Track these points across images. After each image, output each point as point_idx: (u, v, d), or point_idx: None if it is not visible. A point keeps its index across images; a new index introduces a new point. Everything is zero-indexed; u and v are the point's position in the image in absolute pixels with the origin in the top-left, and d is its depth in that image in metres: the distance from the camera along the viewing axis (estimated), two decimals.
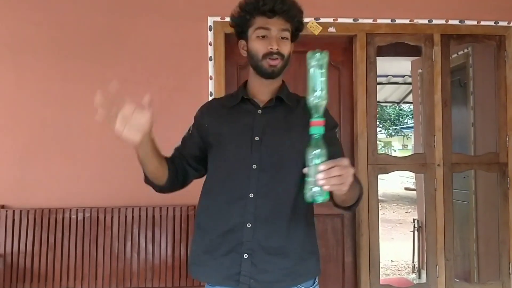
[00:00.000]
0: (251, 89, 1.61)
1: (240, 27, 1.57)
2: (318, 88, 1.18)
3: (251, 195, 1.50)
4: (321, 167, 1.11)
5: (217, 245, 1.53)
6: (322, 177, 1.12)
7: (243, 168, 1.52)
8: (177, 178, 1.63)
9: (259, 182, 1.50)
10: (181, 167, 1.65)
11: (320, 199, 1.16)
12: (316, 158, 1.15)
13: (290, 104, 1.56)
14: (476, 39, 3.27)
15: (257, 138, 1.52)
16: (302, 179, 1.42)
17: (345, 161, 1.15)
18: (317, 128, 1.18)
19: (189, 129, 1.72)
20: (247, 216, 1.50)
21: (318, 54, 1.17)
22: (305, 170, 1.17)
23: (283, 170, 1.51)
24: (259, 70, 1.53)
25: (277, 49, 1.49)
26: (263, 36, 1.51)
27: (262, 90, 1.59)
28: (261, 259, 1.48)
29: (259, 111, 1.56)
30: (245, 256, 1.48)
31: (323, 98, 1.18)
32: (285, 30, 1.52)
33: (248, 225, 1.49)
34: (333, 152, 1.32)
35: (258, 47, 1.51)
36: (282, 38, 1.52)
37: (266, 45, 1.49)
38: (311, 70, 1.18)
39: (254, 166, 1.51)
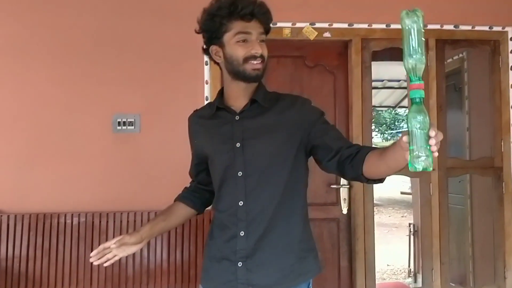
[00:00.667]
0: (228, 96, 1.60)
1: (213, 32, 1.52)
2: (417, 50, 1.07)
3: (241, 203, 1.51)
4: (432, 133, 1.05)
5: (218, 253, 1.57)
6: (434, 143, 1.05)
7: (230, 177, 1.54)
8: (204, 205, 1.75)
9: (246, 188, 1.51)
10: (201, 195, 1.74)
11: (430, 168, 1.07)
12: (420, 123, 1.06)
13: (266, 106, 1.54)
14: (471, 44, 3.29)
15: (238, 145, 1.52)
16: (288, 178, 1.50)
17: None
18: (417, 91, 1.07)
19: (191, 149, 1.76)
20: (240, 224, 1.51)
21: (417, 13, 1.07)
22: (405, 138, 1.09)
23: (268, 173, 1.51)
24: (242, 75, 1.50)
25: (261, 52, 1.48)
26: (243, 41, 1.48)
27: (240, 95, 1.56)
28: (257, 264, 1.50)
29: (237, 117, 1.55)
30: (240, 264, 1.50)
31: (423, 60, 1.08)
32: (262, 33, 1.51)
33: (242, 233, 1.51)
34: (336, 135, 1.44)
35: (240, 51, 1.48)
36: (261, 41, 1.51)
37: (249, 49, 1.47)
38: (408, 30, 1.07)
39: (240, 173, 1.51)
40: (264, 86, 1.61)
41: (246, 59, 1.47)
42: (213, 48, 1.55)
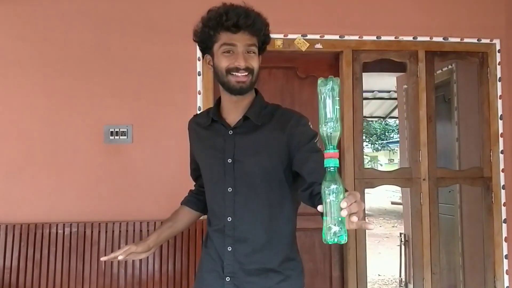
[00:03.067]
0: (222, 107, 1.61)
1: (204, 43, 1.54)
2: (331, 118, 1.06)
3: (229, 219, 1.53)
4: (344, 204, 0.98)
5: (209, 264, 1.59)
6: (345, 214, 0.99)
7: (220, 192, 1.55)
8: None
9: (235, 205, 1.52)
10: (204, 198, 1.72)
11: (343, 239, 1.01)
12: (333, 194, 1.02)
13: (259, 124, 1.53)
14: (460, 56, 3.34)
15: (229, 161, 1.52)
16: (276, 197, 1.51)
17: (358, 195, 1.05)
18: (332, 160, 1.04)
19: (190, 155, 1.79)
20: (227, 240, 1.53)
21: (331, 81, 1.06)
22: (320, 208, 1.04)
23: (257, 191, 1.51)
24: (226, 86, 1.51)
25: (244, 65, 1.46)
26: (228, 52, 1.48)
27: (232, 108, 1.57)
28: (243, 280, 1.51)
29: (230, 132, 1.55)
30: (227, 279, 1.52)
31: (337, 128, 1.06)
32: (252, 45, 1.50)
33: (229, 248, 1.53)
34: (313, 167, 1.33)
35: (223, 62, 1.48)
36: (249, 52, 1.49)
37: (232, 60, 1.47)
38: (323, 99, 1.06)
39: (230, 189, 1.52)
40: (260, 100, 1.60)
41: (229, 71, 1.47)
42: (207, 57, 1.58)
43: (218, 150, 1.55)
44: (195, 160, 1.71)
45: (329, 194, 1.02)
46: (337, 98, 1.06)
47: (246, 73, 1.48)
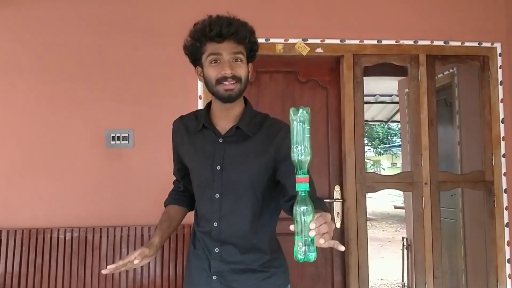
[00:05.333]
0: (213, 114, 1.65)
1: (193, 55, 1.59)
2: (301, 144, 1.13)
3: (215, 224, 1.58)
4: (312, 226, 1.06)
5: (197, 262, 1.65)
6: (314, 235, 1.06)
7: (207, 197, 1.60)
8: (193, 202, 1.77)
9: (222, 210, 1.57)
10: (190, 194, 1.78)
11: (312, 257, 1.09)
12: (304, 215, 1.09)
13: (250, 134, 1.57)
14: (461, 59, 3.34)
15: (218, 168, 1.57)
16: (261, 204, 1.57)
17: (329, 216, 1.13)
18: (302, 185, 1.12)
19: (173, 155, 1.83)
20: (214, 242, 1.59)
21: (301, 110, 1.13)
22: (292, 227, 1.11)
23: (242, 198, 1.57)
24: (216, 95, 1.55)
25: (231, 73, 1.50)
26: (215, 61, 1.52)
27: (222, 115, 1.62)
28: (229, 279, 1.58)
29: (220, 140, 1.59)
30: (214, 277, 1.58)
31: (307, 154, 1.13)
32: (238, 53, 1.53)
33: (216, 250, 1.59)
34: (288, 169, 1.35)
35: (212, 73, 1.52)
36: (236, 60, 1.52)
37: (219, 70, 1.51)
38: (294, 126, 1.13)
39: (217, 195, 1.57)
40: (250, 109, 1.65)
41: (218, 81, 1.51)
42: (197, 69, 1.62)
43: (207, 157, 1.59)
44: (180, 160, 1.74)
45: (300, 215, 1.09)
46: (307, 127, 1.13)
47: (234, 81, 1.51)
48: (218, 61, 1.51)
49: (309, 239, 1.08)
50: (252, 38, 1.58)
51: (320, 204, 1.34)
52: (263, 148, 1.55)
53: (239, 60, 1.53)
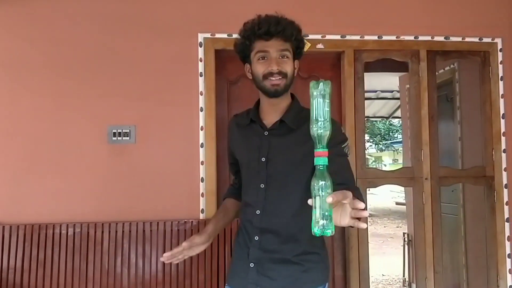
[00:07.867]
0: (261, 109, 1.74)
1: (242, 52, 1.69)
2: (321, 118, 1.13)
3: (258, 212, 1.65)
4: (329, 199, 1.06)
5: (238, 252, 1.74)
6: (330, 201, 1.07)
7: (253, 187, 1.68)
8: None
9: (266, 200, 1.64)
10: None
11: (329, 233, 1.09)
12: (321, 190, 1.10)
13: (294, 127, 1.64)
14: (461, 55, 3.34)
15: (263, 159, 1.65)
16: (303, 195, 1.58)
17: (350, 194, 1.12)
18: (321, 159, 1.12)
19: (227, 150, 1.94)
20: (255, 230, 1.66)
21: (321, 84, 1.13)
22: (310, 201, 1.12)
23: (287, 188, 1.63)
24: (263, 90, 1.64)
25: (277, 69, 1.58)
26: (263, 58, 1.61)
27: (270, 110, 1.70)
28: (267, 267, 1.63)
29: (266, 133, 1.68)
30: (251, 265, 1.64)
31: (327, 128, 1.13)
32: (285, 50, 1.62)
33: (256, 237, 1.65)
34: (335, 169, 1.35)
35: (259, 69, 1.62)
36: (283, 57, 1.61)
37: (266, 66, 1.60)
38: (314, 100, 1.13)
39: (262, 185, 1.65)
40: (296, 104, 1.73)
41: (265, 76, 1.61)
42: (246, 66, 1.73)
43: (254, 149, 1.69)
44: (233, 155, 1.86)
45: (318, 189, 1.10)
46: (328, 101, 1.14)
47: (280, 77, 1.60)
48: (266, 58, 1.61)
49: (327, 214, 1.09)
50: (299, 36, 1.67)
51: (356, 191, 1.33)
52: (305, 140, 1.53)
53: (285, 57, 1.62)
